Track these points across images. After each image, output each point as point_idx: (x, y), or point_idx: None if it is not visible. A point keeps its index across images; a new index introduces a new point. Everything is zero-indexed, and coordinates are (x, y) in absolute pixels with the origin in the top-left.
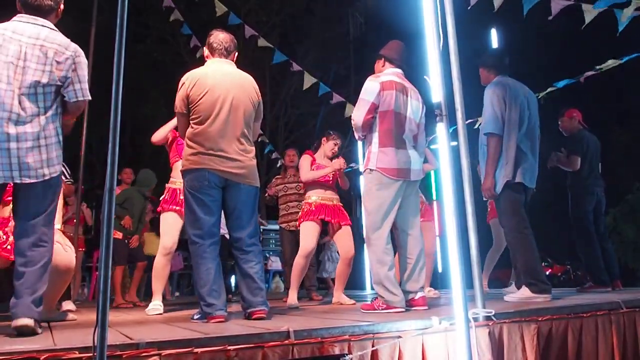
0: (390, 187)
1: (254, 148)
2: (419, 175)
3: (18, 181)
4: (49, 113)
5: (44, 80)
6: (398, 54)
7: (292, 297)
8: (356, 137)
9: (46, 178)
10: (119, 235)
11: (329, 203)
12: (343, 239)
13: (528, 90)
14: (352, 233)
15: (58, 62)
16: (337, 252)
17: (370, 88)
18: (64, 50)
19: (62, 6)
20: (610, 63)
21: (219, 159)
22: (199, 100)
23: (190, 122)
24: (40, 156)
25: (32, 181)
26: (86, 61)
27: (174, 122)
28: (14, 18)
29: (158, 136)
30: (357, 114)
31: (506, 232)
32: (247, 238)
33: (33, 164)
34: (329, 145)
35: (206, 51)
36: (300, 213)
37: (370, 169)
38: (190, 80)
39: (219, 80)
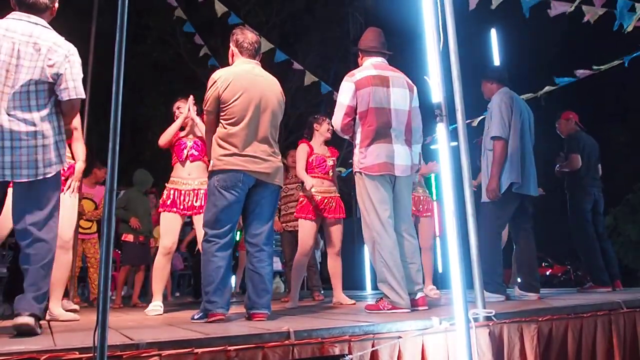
0: (377, 184)
1: (278, 150)
2: (406, 172)
3: (9, 179)
4: (44, 112)
5: (36, 77)
6: (374, 41)
7: (294, 298)
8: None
9: (39, 178)
10: (130, 237)
11: (327, 195)
12: (332, 233)
13: (528, 107)
14: (343, 228)
15: (50, 59)
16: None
17: (344, 90)
18: (57, 48)
19: (56, 4)
20: (612, 64)
21: (254, 159)
22: (232, 102)
23: (223, 122)
24: (36, 156)
25: (24, 180)
26: (80, 60)
27: (177, 124)
28: (8, 16)
29: (164, 140)
30: (336, 119)
31: (481, 230)
32: (265, 237)
33: (26, 163)
34: (324, 128)
35: (234, 50)
36: (297, 206)
37: (355, 172)
38: (223, 81)
39: (252, 82)
